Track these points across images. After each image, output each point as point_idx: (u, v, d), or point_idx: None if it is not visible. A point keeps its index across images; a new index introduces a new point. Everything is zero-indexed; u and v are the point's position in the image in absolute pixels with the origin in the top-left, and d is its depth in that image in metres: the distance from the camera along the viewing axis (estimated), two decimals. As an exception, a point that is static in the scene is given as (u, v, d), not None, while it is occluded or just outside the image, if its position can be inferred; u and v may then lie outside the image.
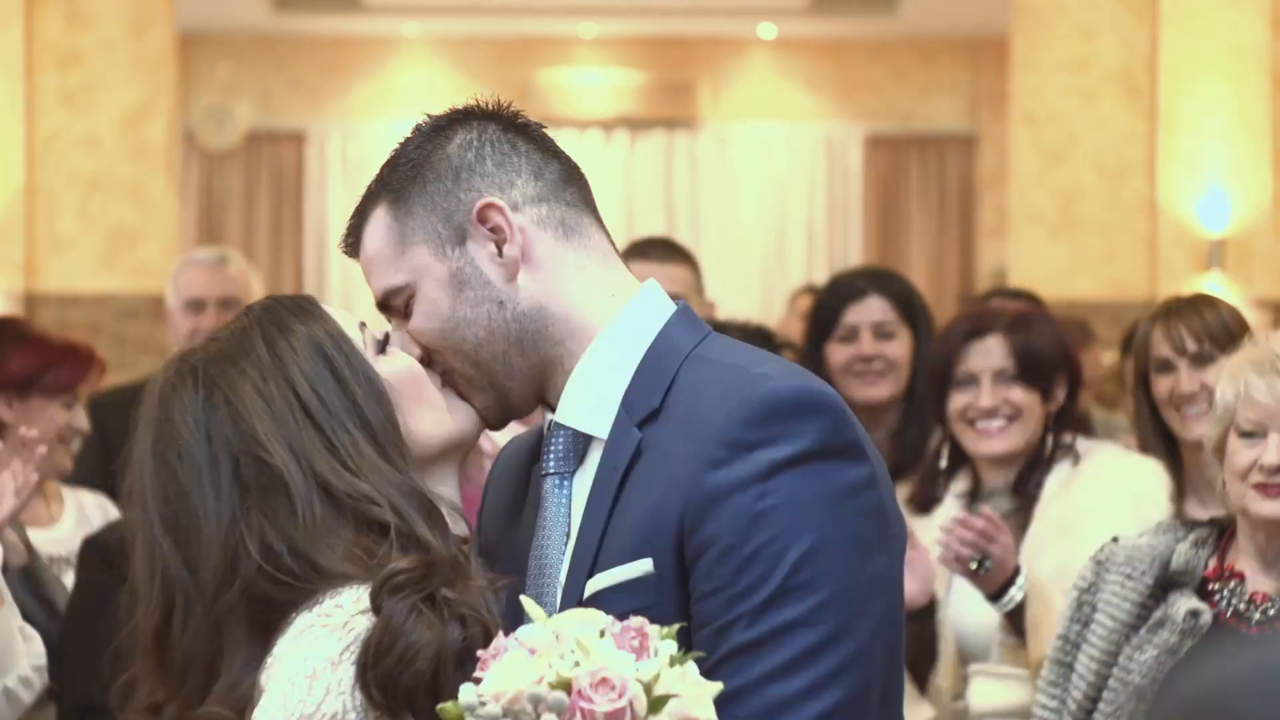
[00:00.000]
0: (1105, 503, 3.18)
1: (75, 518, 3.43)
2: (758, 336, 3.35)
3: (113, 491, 4.11)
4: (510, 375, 1.84)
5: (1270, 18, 8.96)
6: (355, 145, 11.83)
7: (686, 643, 1.56)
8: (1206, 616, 2.54)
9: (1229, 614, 2.55)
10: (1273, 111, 8.96)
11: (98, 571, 3.04)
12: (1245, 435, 2.51)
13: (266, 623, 1.72)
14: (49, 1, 8.97)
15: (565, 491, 1.83)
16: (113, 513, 3.46)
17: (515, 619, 1.80)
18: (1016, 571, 3.04)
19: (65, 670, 3.03)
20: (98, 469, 4.13)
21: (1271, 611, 2.52)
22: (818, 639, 1.65)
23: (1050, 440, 3.30)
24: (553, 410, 1.85)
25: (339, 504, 1.75)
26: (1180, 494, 3.12)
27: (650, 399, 1.77)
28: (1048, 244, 9.09)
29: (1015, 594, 3.03)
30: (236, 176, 11.96)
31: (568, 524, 1.81)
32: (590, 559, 1.75)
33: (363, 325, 1.86)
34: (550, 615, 1.64)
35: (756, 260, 11.87)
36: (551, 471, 1.84)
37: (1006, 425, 3.27)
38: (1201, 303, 3.26)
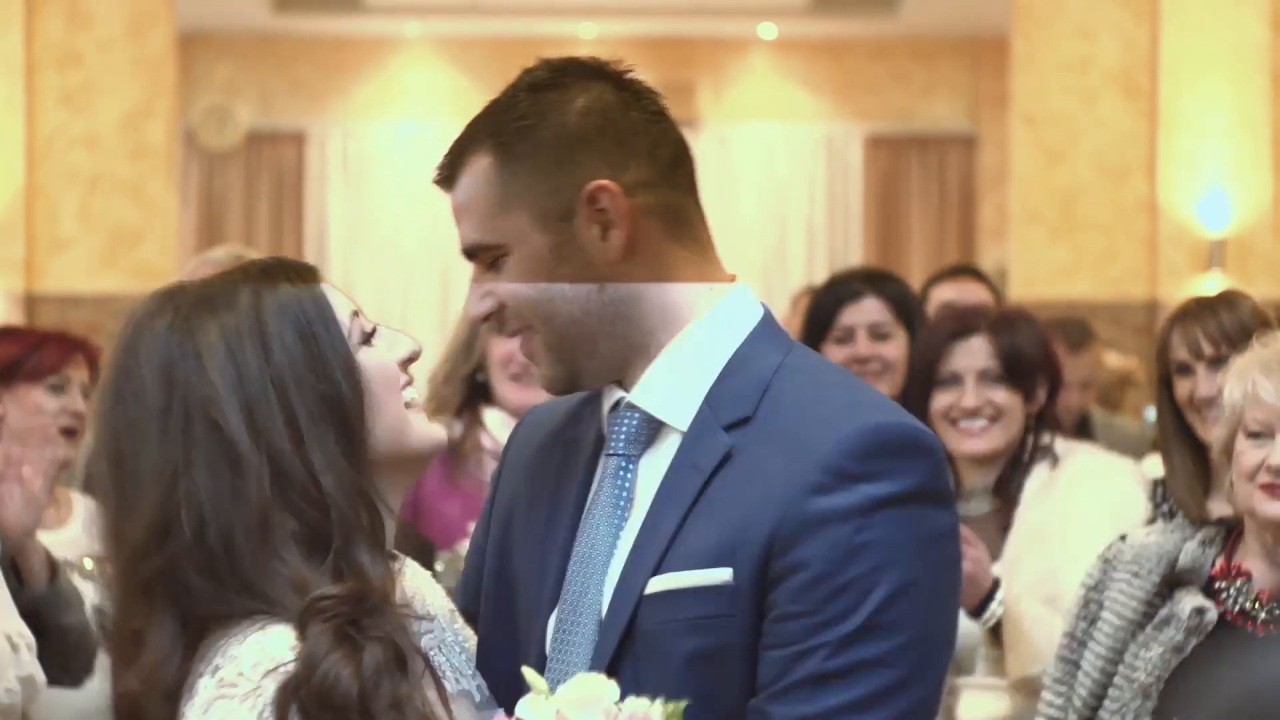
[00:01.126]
0: (1083, 509, 3.19)
1: (84, 520, 3.42)
2: None
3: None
4: (591, 355, 1.79)
5: (1270, 17, 8.96)
6: (356, 145, 11.83)
7: (749, 666, 1.63)
8: (1212, 614, 2.54)
9: (1235, 613, 2.55)
10: (1273, 111, 8.96)
11: None
12: (1253, 436, 2.51)
13: (187, 615, 1.65)
14: (49, 2, 8.97)
15: (629, 475, 1.79)
16: None
17: (507, 626, 1.81)
18: (996, 585, 3.04)
19: None
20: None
21: (1278, 611, 2.53)
22: (894, 680, 1.65)
23: (1030, 441, 3.31)
24: (624, 389, 1.81)
25: (288, 493, 1.65)
26: (1205, 495, 3.12)
27: (741, 404, 1.74)
28: (1048, 244, 9.10)
29: (995, 609, 3.04)
30: (237, 177, 11.97)
31: (626, 509, 1.78)
32: (658, 554, 1.72)
33: (355, 314, 1.79)
34: (596, 607, 1.64)
35: (757, 260, 11.87)
36: (619, 453, 1.80)
37: (989, 425, 3.28)
38: (1220, 304, 3.25)
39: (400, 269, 11.80)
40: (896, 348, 3.77)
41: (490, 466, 3.36)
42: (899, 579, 1.66)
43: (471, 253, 1.80)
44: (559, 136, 1.77)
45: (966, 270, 4.71)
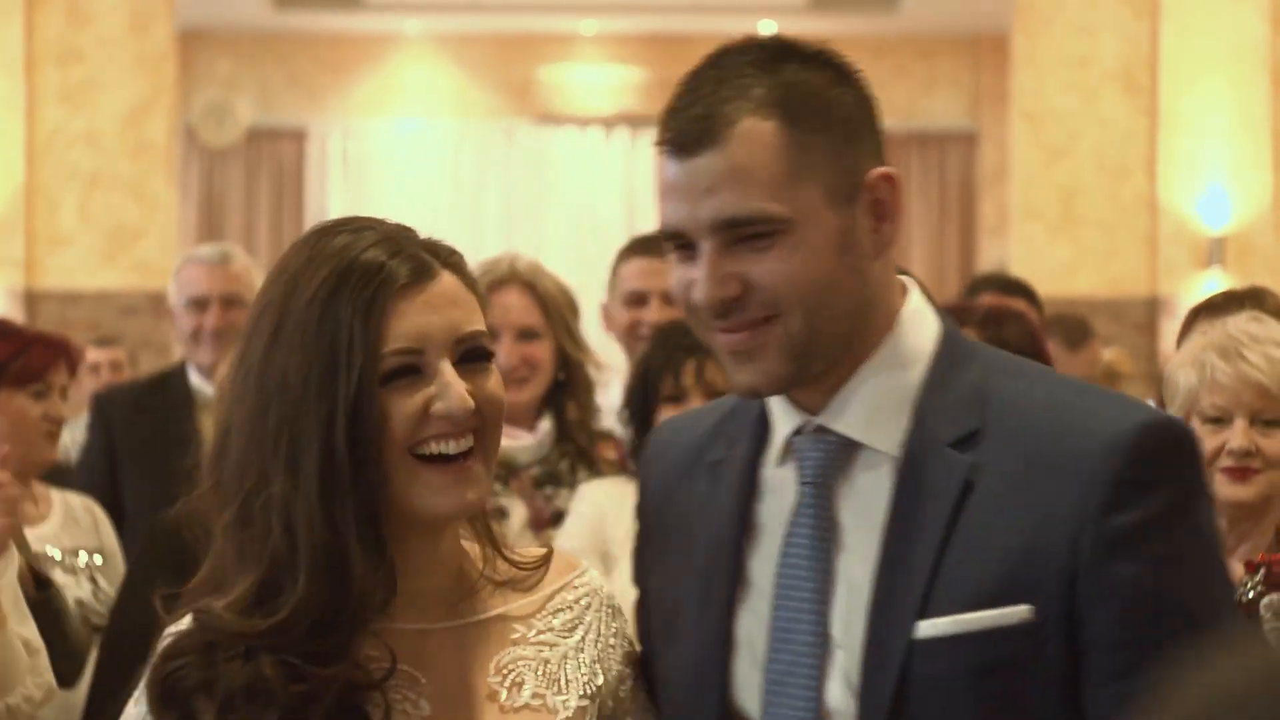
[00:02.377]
0: None
1: (62, 517, 3.41)
2: None
3: (114, 484, 4.12)
4: (823, 355, 1.61)
5: (1270, 15, 8.95)
6: (356, 142, 11.83)
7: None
8: None
9: None
10: (1273, 109, 8.95)
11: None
12: (1210, 421, 2.51)
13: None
14: (49, -2, 8.98)
15: (827, 505, 1.63)
16: (100, 517, 3.44)
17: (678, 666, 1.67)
18: None
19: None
20: (100, 464, 4.13)
21: (1242, 597, 2.52)
22: None
23: None
24: (797, 400, 1.65)
25: (249, 503, 1.60)
26: None
27: (963, 419, 1.60)
28: (1048, 241, 9.10)
29: None
30: (237, 174, 11.96)
31: (828, 544, 1.62)
32: (918, 594, 1.56)
33: (408, 350, 1.60)
34: (817, 653, 1.52)
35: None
36: (815, 480, 1.63)
37: None
38: (1247, 298, 3.23)
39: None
40: None
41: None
42: (1209, 580, 1.57)
43: (726, 224, 1.58)
44: (847, 117, 1.62)
45: (1015, 287, 4.66)
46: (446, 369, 1.62)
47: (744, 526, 1.67)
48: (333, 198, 11.82)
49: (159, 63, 9.17)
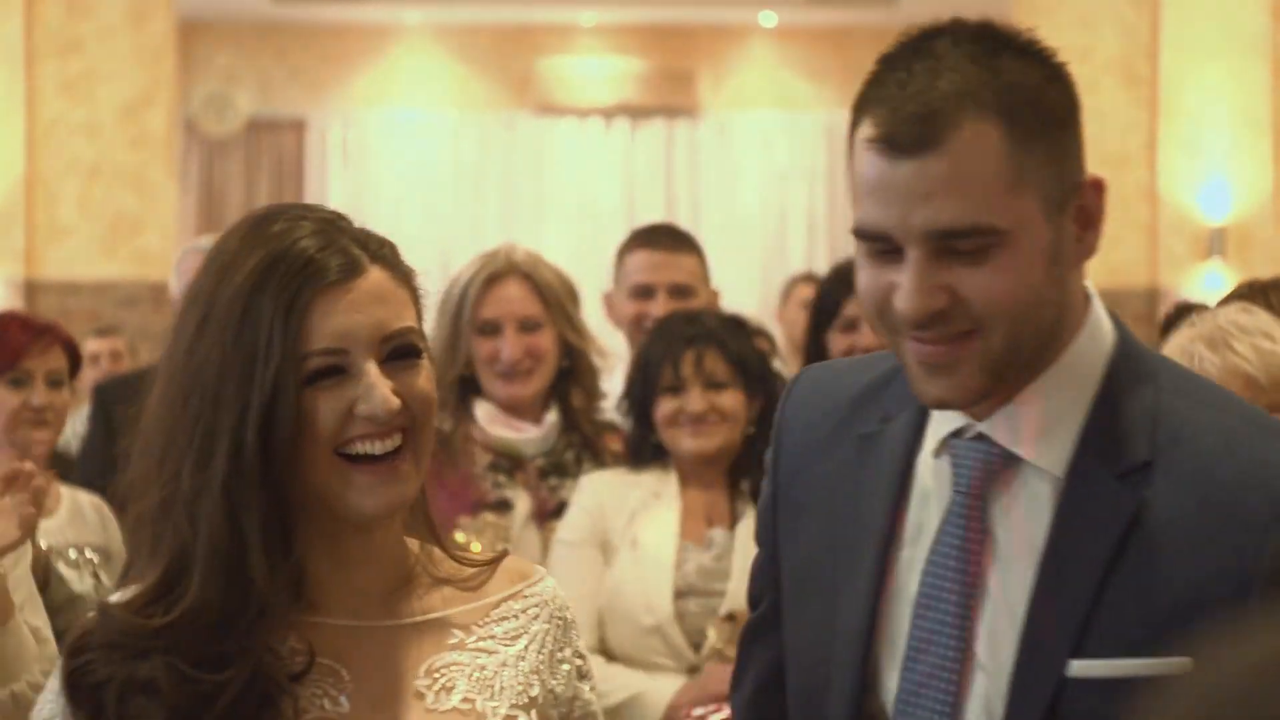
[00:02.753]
0: None
1: (69, 513, 3.40)
2: (734, 325, 3.35)
3: (116, 476, 4.11)
4: (1017, 372, 1.54)
5: (1271, 5, 8.95)
6: (356, 133, 11.82)
7: None
8: None
9: None
10: (1273, 99, 8.95)
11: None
12: None
13: None
14: (49, -11, 8.98)
15: (979, 518, 1.56)
16: (108, 515, 3.43)
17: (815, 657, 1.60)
18: None
19: None
20: (99, 456, 4.13)
21: None
22: None
23: None
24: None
25: (167, 491, 1.59)
26: None
27: (1133, 448, 1.52)
28: (1048, 232, 9.10)
29: None
30: (237, 164, 11.96)
31: (980, 557, 1.55)
32: (1072, 633, 1.49)
33: (331, 351, 1.58)
34: (954, 674, 1.46)
35: (757, 249, 11.87)
36: (969, 492, 1.56)
37: None
38: (1271, 288, 3.20)
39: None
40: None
41: (480, 459, 3.35)
42: None
43: (946, 235, 1.49)
44: (1064, 117, 1.53)
45: None
46: (371, 370, 1.59)
47: (894, 520, 1.60)
48: (333, 188, 11.82)
49: (159, 54, 9.17)
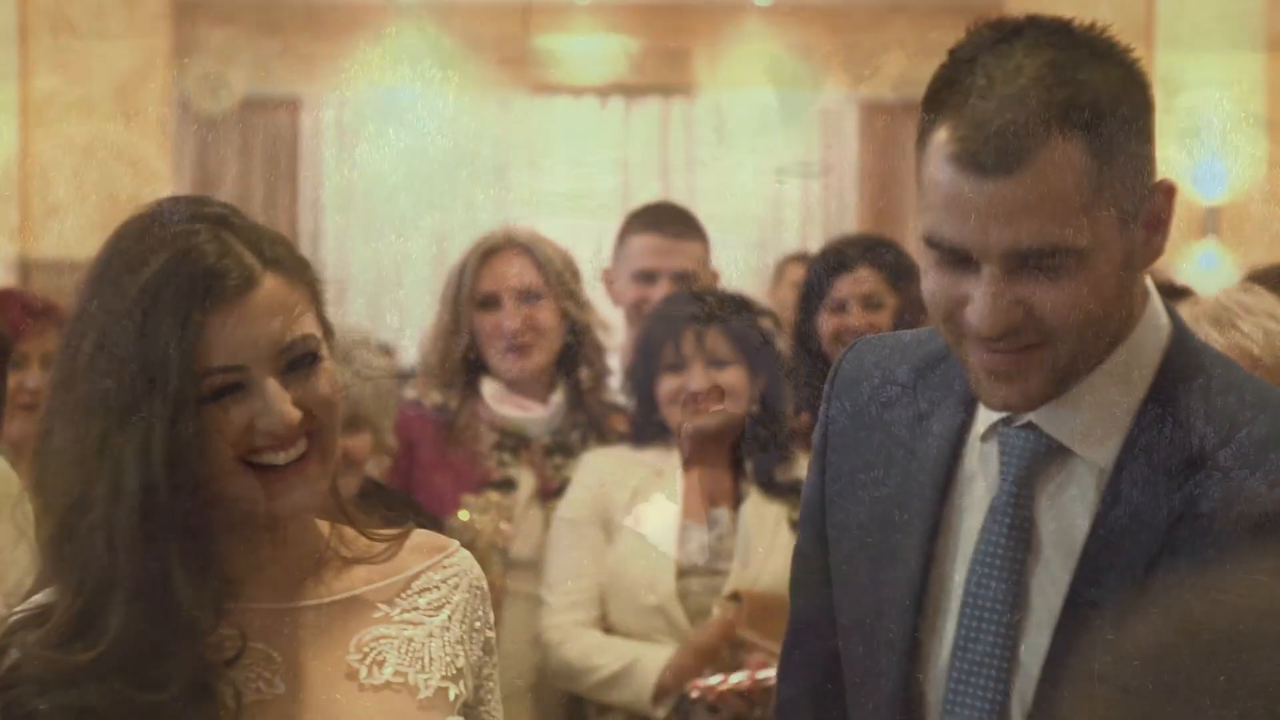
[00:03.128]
0: None
1: None
2: (737, 303, 3.36)
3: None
4: (1081, 376, 1.53)
5: (1267, -14, 8.95)
6: (351, 112, 11.80)
7: None
8: None
9: None
10: (1269, 79, 8.95)
11: None
12: None
13: None
14: (42, -33, 8.94)
15: (1025, 508, 1.56)
16: None
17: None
18: None
19: None
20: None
21: None
22: None
23: None
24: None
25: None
26: None
27: (1181, 444, 1.52)
28: (1043, 212, 9.10)
29: None
30: (231, 143, 11.93)
31: (1024, 550, 1.55)
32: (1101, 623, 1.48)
33: (229, 368, 1.57)
34: (1004, 665, 1.45)
35: (752, 228, 11.86)
36: (1016, 481, 1.56)
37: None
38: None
39: (395, 236, 11.78)
40: (889, 317, 3.79)
41: (487, 438, 3.35)
42: None
43: (1026, 254, 1.47)
44: (1143, 124, 1.51)
45: None
46: (269, 386, 1.59)
47: (941, 502, 1.60)
48: (327, 167, 11.79)
49: (152, 32, 9.14)
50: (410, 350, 4.35)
